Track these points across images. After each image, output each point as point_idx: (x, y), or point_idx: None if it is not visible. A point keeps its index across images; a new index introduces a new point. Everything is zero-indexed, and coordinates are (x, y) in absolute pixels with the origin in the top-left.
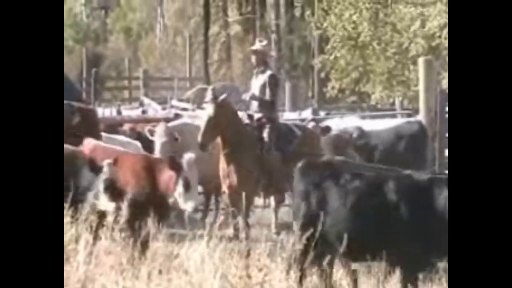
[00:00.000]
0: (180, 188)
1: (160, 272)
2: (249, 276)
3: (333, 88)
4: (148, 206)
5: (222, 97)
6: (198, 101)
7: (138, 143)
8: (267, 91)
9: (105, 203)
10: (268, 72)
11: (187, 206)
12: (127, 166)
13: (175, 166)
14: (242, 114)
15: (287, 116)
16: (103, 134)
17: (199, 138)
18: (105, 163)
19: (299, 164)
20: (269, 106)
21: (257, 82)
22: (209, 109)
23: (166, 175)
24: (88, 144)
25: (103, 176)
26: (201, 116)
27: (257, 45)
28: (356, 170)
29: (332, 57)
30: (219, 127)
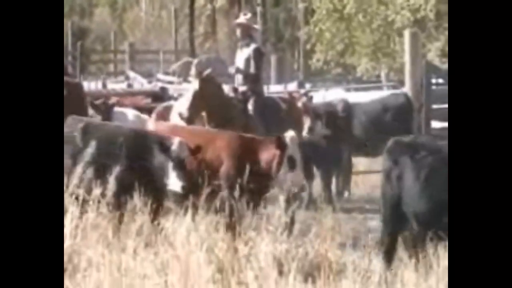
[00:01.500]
0: (285, 168)
1: (146, 245)
2: (235, 249)
3: (318, 60)
4: (245, 186)
5: (207, 71)
6: (184, 74)
7: (147, 117)
8: (252, 64)
9: (174, 182)
10: (253, 46)
11: (294, 185)
12: (221, 145)
13: (281, 145)
14: (227, 87)
15: (273, 88)
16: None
17: (185, 113)
18: (175, 140)
19: (387, 145)
20: (253, 79)
21: (242, 55)
22: (194, 84)
23: (267, 155)
24: (162, 125)
25: (173, 154)
26: (187, 89)
27: (242, 19)
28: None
29: (317, 30)
30: (205, 101)
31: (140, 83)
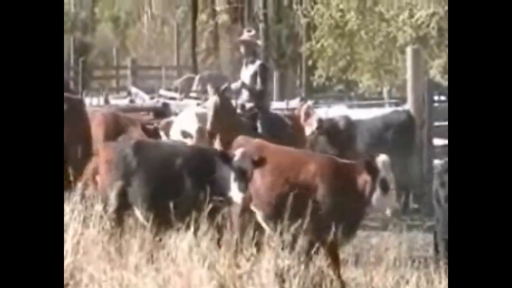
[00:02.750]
0: (378, 192)
1: (148, 261)
2: (237, 266)
3: (320, 76)
4: (338, 211)
5: (224, 86)
6: (186, 90)
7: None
8: (258, 81)
9: (235, 194)
10: (258, 62)
11: (387, 209)
12: (316, 169)
13: (372, 170)
14: (233, 104)
15: (275, 105)
16: None
17: (209, 127)
18: (238, 151)
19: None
20: (260, 96)
21: (247, 72)
22: (214, 99)
23: (360, 180)
24: (249, 143)
25: (235, 165)
26: (189, 105)
27: (245, 36)
28: None
29: (319, 45)
30: (223, 116)
31: (142, 99)
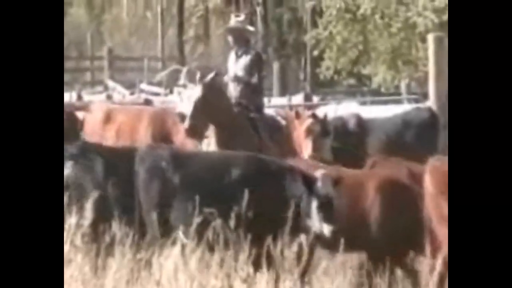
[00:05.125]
0: None
1: (127, 283)
2: None
3: (328, 69)
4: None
5: (211, 75)
6: (171, 85)
7: None
8: (253, 73)
9: (319, 224)
10: (253, 52)
11: None
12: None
13: None
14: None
15: (275, 102)
16: None
17: (187, 123)
18: (320, 175)
19: None
20: (256, 92)
21: (239, 64)
22: (196, 90)
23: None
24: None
25: (318, 191)
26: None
27: (233, 22)
28: None
29: (327, 33)
30: (209, 110)
31: (121, 94)
